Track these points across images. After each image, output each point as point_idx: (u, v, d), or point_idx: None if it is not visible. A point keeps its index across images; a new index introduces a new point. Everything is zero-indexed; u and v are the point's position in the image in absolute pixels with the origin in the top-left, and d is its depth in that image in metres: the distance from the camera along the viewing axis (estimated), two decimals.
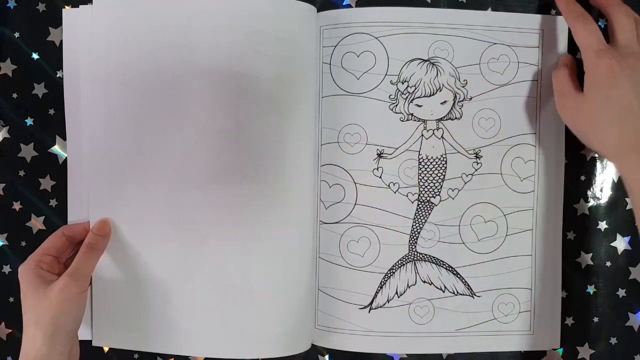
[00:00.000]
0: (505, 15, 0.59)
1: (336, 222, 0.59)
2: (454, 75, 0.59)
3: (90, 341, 0.60)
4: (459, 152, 0.59)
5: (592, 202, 0.61)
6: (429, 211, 0.59)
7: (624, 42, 0.53)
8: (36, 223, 0.62)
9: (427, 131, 0.59)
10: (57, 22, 0.60)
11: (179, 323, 0.58)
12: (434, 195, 0.59)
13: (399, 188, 0.59)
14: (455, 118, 0.59)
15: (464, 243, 0.59)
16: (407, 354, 0.61)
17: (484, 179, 0.59)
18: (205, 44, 0.56)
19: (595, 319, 0.61)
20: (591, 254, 0.61)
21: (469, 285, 0.60)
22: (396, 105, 0.59)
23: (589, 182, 0.61)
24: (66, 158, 0.61)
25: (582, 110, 0.54)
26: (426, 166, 0.59)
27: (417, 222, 0.59)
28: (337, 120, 0.59)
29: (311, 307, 0.60)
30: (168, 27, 0.57)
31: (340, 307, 0.60)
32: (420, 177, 0.59)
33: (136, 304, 0.59)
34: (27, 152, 0.61)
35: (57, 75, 0.61)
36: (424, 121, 0.59)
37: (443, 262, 0.59)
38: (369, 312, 0.59)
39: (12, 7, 0.61)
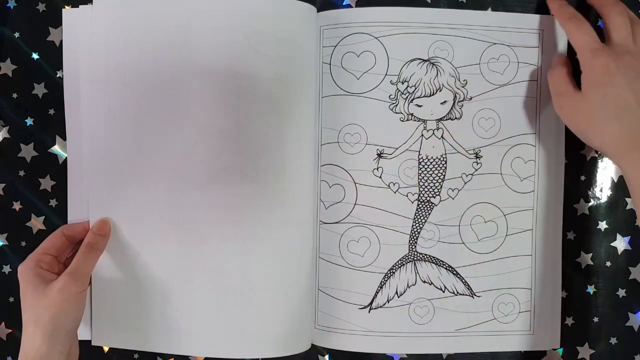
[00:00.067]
0: (505, 15, 0.59)
1: (336, 222, 0.59)
2: (454, 75, 0.59)
3: (90, 341, 0.60)
4: (459, 152, 0.59)
5: (592, 202, 0.61)
6: (429, 211, 0.59)
7: (619, 41, 0.53)
8: (36, 223, 0.62)
9: (427, 131, 0.59)
10: (57, 22, 0.60)
11: (179, 323, 0.58)
12: (434, 195, 0.59)
13: (399, 188, 0.59)
14: (455, 118, 0.59)
15: (464, 243, 0.59)
16: (407, 354, 0.61)
17: (484, 179, 0.59)
18: (205, 44, 0.56)
19: (595, 319, 0.61)
20: (591, 254, 0.61)
21: (468, 285, 0.60)
22: (396, 105, 0.59)
23: (589, 182, 0.61)
24: (66, 158, 0.61)
25: (580, 109, 0.54)
26: (426, 166, 0.59)
27: (417, 222, 0.59)
28: (337, 120, 0.59)
29: (311, 307, 0.60)
30: (168, 27, 0.57)
31: (340, 307, 0.60)
32: (420, 177, 0.59)
33: (136, 304, 0.59)
34: (27, 152, 0.61)
35: (57, 75, 0.61)
36: (424, 121, 0.59)
37: (443, 262, 0.59)
38: (369, 312, 0.59)
39: (12, 7, 0.61)
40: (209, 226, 0.57)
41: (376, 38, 0.58)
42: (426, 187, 0.59)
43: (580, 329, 0.61)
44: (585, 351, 0.61)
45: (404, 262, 0.59)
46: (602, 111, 0.52)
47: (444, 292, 0.59)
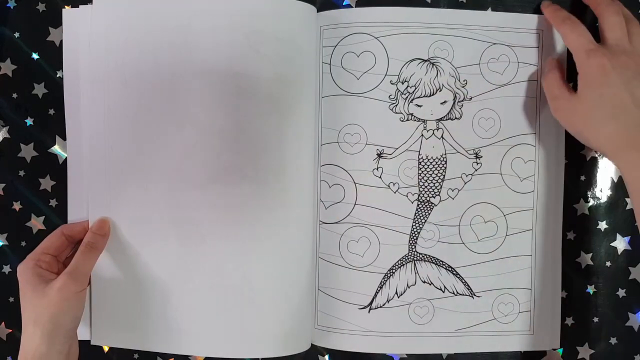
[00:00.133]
0: (504, 15, 0.59)
1: (336, 222, 0.59)
2: (453, 75, 0.59)
3: (89, 341, 0.60)
4: (458, 152, 0.59)
5: (592, 202, 0.61)
6: (429, 211, 0.59)
7: (614, 41, 0.53)
8: (36, 223, 0.62)
9: (427, 131, 0.59)
10: (57, 22, 0.60)
11: (179, 323, 0.58)
12: (434, 195, 0.59)
13: (398, 188, 0.59)
14: (455, 118, 0.59)
15: (463, 243, 0.59)
16: (406, 354, 0.61)
17: (484, 179, 0.59)
18: (205, 44, 0.56)
19: (595, 319, 0.61)
20: (591, 254, 0.61)
21: (468, 286, 0.60)
22: (396, 105, 0.59)
23: (589, 182, 0.61)
24: (66, 158, 0.61)
25: (576, 111, 0.54)
26: (426, 166, 0.59)
27: (417, 222, 0.59)
28: (337, 120, 0.59)
29: (311, 307, 0.60)
30: (168, 27, 0.57)
31: (340, 307, 0.60)
32: (420, 177, 0.59)
33: (135, 304, 0.59)
34: (27, 152, 0.61)
35: (57, 75, 0.61)
36: (424, 121, 0.59)
37: (443, 262, 0.59)
38: (369, 312, 0.59)
39: (12, 7, 0.61)
40: (209, 226, 0.57)
41: (376, 38, 0.58)
42: (426, 187, 0.59)
43: (580, 329, 0.61)
44: (585, 351, 0.61)
45: (403, 262, 0.59)
46: (598, 111, 0.52)
47: (443, 292, 0.59)
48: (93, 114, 0.58)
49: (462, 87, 0.59)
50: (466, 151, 0.59)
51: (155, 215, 0.58)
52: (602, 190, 0.61)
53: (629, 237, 0.61)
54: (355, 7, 0.59)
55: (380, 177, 0.59)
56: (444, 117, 0.59)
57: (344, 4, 0.60)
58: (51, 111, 0.61)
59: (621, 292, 0.61)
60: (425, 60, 0.59)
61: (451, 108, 0.59)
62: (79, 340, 0.56)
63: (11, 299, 0.62)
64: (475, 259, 0.60)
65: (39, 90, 0.61)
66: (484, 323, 0.60)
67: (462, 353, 0.61)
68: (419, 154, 0.59)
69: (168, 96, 0.57)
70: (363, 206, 0.59)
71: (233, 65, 0.56)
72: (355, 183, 0.59)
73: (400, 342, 0.59)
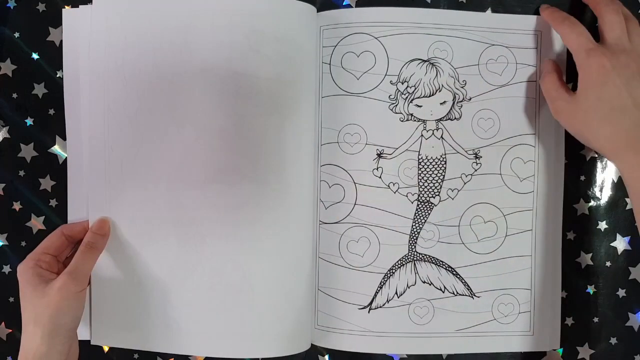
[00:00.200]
0: (502, 16, 0.59)
1: (336, 222, 0.59)
2: (453, 75, 0.59)
3: (89, 340, 0.60)
4: (458, 152, 0.59)
5: (592, 202, 0.61)
6: (429, 211, 0.59)
7: (613, 40, 0.53)
8: (36, 223, 0.62)
9: (427, 131, 0.59)
10: (57, 22, 0.60)
11: (179, 322, 0.58)
12: (434, 196, 0.59)
13: (398, 188, 0.59)
14: (455, 118, 0.59)
15: (463, 243, 0.59)
16: (406, 354, 0.61)
17: (484, 179, 0.59)
18: (205, 44, 0.56)
19: (595, 319, 0.61)
20: (591, 254, 0.61)
21: (468, 286, 0.60)
22: (396, 105, 0.59)
23: (589, 182, 0.61)
24: (66, 158, 0.61)
25: (576, 112, 0.54)
26: (426, 166, 0.59)
27: (416, 222, 0.59)
28: (337, 120, 0.59)
29: (311, 307, 0.60)
30: (168, 27, 0.57)
31: (340, 307, 0.60)
32: (420, 177, 0.59)
33: (135, 303, 0.59)
34: (27, 152, 0.61)
35: (57, 75, 0.61)
36: (424, 121, 0.59)
37: (443, 262, 0.59)
38: (369, 312, 0.59)
39: (12, 7, 0.61)
40: (209, 226, 0.57)
41: (376, 38, 0.58)
42: (426, 187, 0.59)
43: (580, 329, 0.61)
44: (585, 351, 0.61)
45: (403, 262, 0.59)
46: (598, 112, 0.52)
47: (443, 292, 0.59)
48: (93, 114, 0.58)
49: (462, 87, 0.59)
50: (466, 151, 0.59)
51: (155, 215, 0.58)
52: (602, 190, 0.61)
53: (629, 237, 0.61)
54: (355, 7, 0.60)
55: (380, 177, 0.59)
56: (444, 117, 0.59)
57: (344, 4, 0.60)
58: (51, 111, 0.61)
59: (621, 292, 0.61)
60: (425, 61, 0.59)
61: (451, 108, 0.59)
62: (79, 340, 0.56)
63: (11, 299, 0.62)
64: (475, 259, 0.60)
65: (39, 90, 0.61)
66: (484, 323, 0.60)
67: (463, 354, 0.61)
68: (419, 154, 0.59)
69: (168, 96, 0.57)
70: (363, 206, 0.59)
71: (233, 65, 0.56)
72: (355, 183, 0.59)
73: (400, 342, 0.59)
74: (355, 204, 0.59)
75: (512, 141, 0.60)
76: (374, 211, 0.59)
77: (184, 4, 0.57)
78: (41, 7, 0.61)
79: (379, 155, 0.59)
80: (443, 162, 0.59)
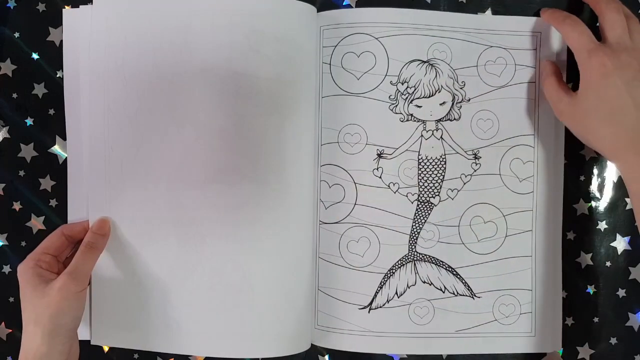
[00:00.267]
0: (501, 18, 0.59)
1: (336, 222, 0.59)
2: (452, 76, 0.59)
3: (89, 341, 0.59)
4: (458, 152, 0.59)
5: (592, 202, 0.61)
6: (429, 211, 0.59)
7: (615, 39, 0.53)
8: (36, 223, 0.62)
9: (427, 132, 0.59)
10: (57, 22, 0.60)
11: (179, 322, 0.58)
12: (434, 196, 0.59)
13: (398, 188, 0.59)
14: (454, 119, 0.59)
15: (463, 243, 0.59)
16: (407, 355, 0.61)
17: (483, 179, 0.59)
18: (205, 44, 0.56)
19: (595, 319, 0.61)
20: (591, 254, 0.61)
21: (469, 286, 0.60)
22: (396, 105, 0.59)
23: (589, 182, 0.61)
24: (66, 158, 0.61)
25: (577, 113, 0.54)
26: (426, 166, 0.59)
27: (416, 222, 0.59)
28: (337, 120, 0.59)
29: (311, 307, 0.60)
30: (168, 27, 0.57)
31: (340, 307, 0.59)
32: (419, 178, 0.59)
33: (135, 303, 0.59)
34: (27, 152, 0.61)
35: (57, 75, 0.61)
36: (424, 122, 0.59)
37: (443, 262, 0.59)
38: (369, 312, 0.59)
39: (12, 7, 0.61)
40: (209, 226, 0.57)
41: (376, 39, 0.58)
42: (426, 187, 0.59)
43: (580, 329, 0.61)
44: (585, 351, 0.61)
45: (403, 262, 0.59)
46: (598, 113, 0.53)
47: (444, 292, 0.59)
48: (93, 114, 0.58)
49: (461, 88, 0.59)
50: (465, 152, 0.59)
51: (155, 215, 0.58)
52: (602, 190, 0.61)
53: (629, 237, 0.61)
54: (355, 7, 0.60)
55: (380, 177, 0.59)
56: (443, 117, 0.59)
57: (344, 4, 0.60)
58: (51, 111, 0.61)
59: (621, 292, 0.61)
60: (425, 62, 0.59)
61: (450, 109, 0.59)
62: (79, 340, 0.56)
63: (11, 299, 0.62)
64: (475, 260, 0.60)
65: (39, 90, 0.61)
66: (485, 324, 0.60)
67: (463, 354, 0.60)
68: (419, 154, 0.59)
69: (168, 96, 0.57)
70: (363, 206, 0.59)
71: (233, 65, 0.56)
72: (355, 183, 0.59)
73: (400, 342, 0.59)
74: (355, 204, 0.59)
75: (512, 142, 0.60)
76: (374, 211, 0.59)
77: (184, 4, 0.57)
78: (41, 7, 0.61)
79: (379, 156, 0.59)
80: (443, 163, 0.59)
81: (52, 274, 0.55)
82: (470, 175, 0.59)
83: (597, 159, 0.61)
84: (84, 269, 0.55)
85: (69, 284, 0.53)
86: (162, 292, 0.58)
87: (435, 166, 0.59)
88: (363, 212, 0.59)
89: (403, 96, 0.59)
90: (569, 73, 0.59)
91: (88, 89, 0.58)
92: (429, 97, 0.59)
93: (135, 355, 0.61)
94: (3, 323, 0.62)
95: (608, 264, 0.61)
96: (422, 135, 0.59)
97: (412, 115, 0.59)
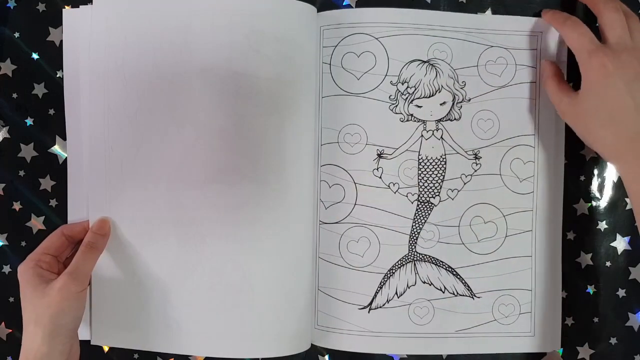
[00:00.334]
0: (502, 18, 0.59)
1: (336, 222, 0.59)
2: (452, 76, 0.59)
3: (89, 341, 0.60)
4: (458, 152, 0.59)
5: (592, 202, 0.61)
6: (429, 211, 0.59)
7: (615, 39, 0.53)
8: (36, 223, 0.62)
9: (427, 132, 0.59)
10: (57, 22, 0.60)
11: (179, 322, 0.58)
12: (434, 196, 0.59)
13: (398, 188, 0.59)
14: (455, 119, 0.59)
15: (463, 244, 0.59)
16: (407, 355, 0.61)
17: (484, 179, 0.59)
18: (205, 44, 0.56)
19: (595, 319, 0.61)
20: (591, 254, 0.61)
21: (468, 286, 0.60)
22: (396, 105, 0.59)
23: (589, 182, 0.61)
24: (66, 158, 0.61)
25: (578, 114, 0.54)
26: (426, 166, 0.59)
27: (416, 222, 0.59)
28: (337, 120, 0.59)
29: (311, 307, 0.60)
30: (168, 27, 0.57)
31: (340, 307, 0.60)
32: (420, 178, 0.59)
33: (135, 303, 0.59)
34: (27, 152, 0.61)
35: (57, 75, 0.61)
36: (424, 122, 0.59)
37: (443, 262, 0.59)
38: (369, 312, 0.59)
39: (12, 7, 0.61)
40: (209, 226, 0.57)
41: (376, 39, 0.58)
42: (426, 187, 0.59)
43: (580, 329, 0.61)
44: (585, 351, 0.61)
45: (403, 263, 0.59)
46: (599, 115, 0.52)
47: (443, 292, 0.59)
48: (93, 114, 0.58)
49: (461, 88, 0.59)
50: (465, 152, 0.59)
51: (155, 215, 0.58)
52: (602, 190, 0.61)
53: (629, 237, 0.61)
54: (356, 7, 0.60)
55: (380, 177, 0.59)
56: (444, 118, 0.59)
57: (344, 4, 0.60)
58: (51, 111, 0.61)
59: (621, 292, 0.61)
60: (425, 62, 0.59)
61: (450, 109, 0.59)
62: (79, 340, 0.56)
63: (11, 299, 0.62)
64: (475, 260, 0.60)
65: (39, 90, 0.61)
66: (485, 324, 0.60)
67: (463, 354, 0.60)
68: (419, 155, 0.59)
69: (168, 96, 0.57)
70: (363, 206, 0.59)
71: (233, 65, 0.56)
72: (355, 183, 0.59)
73: (400, 342, 0.59)
74: (355, 204, 0.59)
75: (512, 142, 0.60)
76: (374, 211, 0.59)
77: (184, 4, 0.57)
78: (41, 7, 0.61)
79: (379, 156, 0.59)
80: (443, 163, 0.59)
81: (52, 274, 0.55)
82: (471, 175, 0.59)
83: (598, 159, 0.61)
84: (84, 269, 0.55)
85: (69, 284, 0.53)
86: (162, 292, 0.58)
87: (436, 166, 0.59)
88: (363, 212, 0.59)
89: (403, 96, 0.59)
90: (569, 73, 0.59)
91: (88, 89, 0.58)
92: (429, 97, 0.59)
93: (135, 355, 0.61)
94: (3, 323, 0.62)
95: (608, 264, 0.61)
96: (422, 136, 0.59)
97: (412, 115, 0.59)
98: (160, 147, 0.57)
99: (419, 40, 0.59)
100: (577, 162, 0.60)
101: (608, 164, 0.60)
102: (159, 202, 0.57)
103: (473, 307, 0.60)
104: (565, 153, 0.60)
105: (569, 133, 0.58)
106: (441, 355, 0.61)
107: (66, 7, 0.60)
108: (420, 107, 0.59)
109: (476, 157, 0.59)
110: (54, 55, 0.60)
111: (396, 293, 0.59)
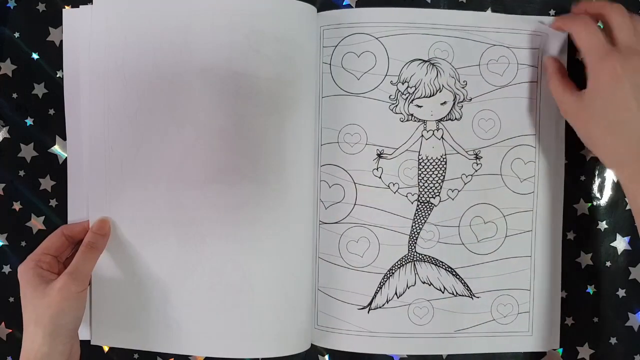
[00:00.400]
0: (504, 17, 0.59)
1: (336, 222, 0.59)
2: (453, 76, 0.59)
3: (89, 341, 0.60)
4: (458, 152, 0.59)
5: (592, 202, 0.61)
6: (429, 212, 0.59)
7: (624, 42, 0.52)
8: (36, 223, 0.62)
9: (427, 132, 0.59)
10: (57, 22, 0.60)
11: (179, 322, 0.58)
12: (434, 196, 0.59)
13: (398, 188, 0.59)
14: (455, 119, 0.59)
15: (463, 244, 0.59)
16: (406, 355, 0.61)
17: (484, 179, 0.59)
18: (205, 44, 0.56)
19: (595, 319, 0.61)
20: (591, 254, 0.61)
21: (468, 286, 0.60)
22: (396, 105, 0.59)
23: (589, 182, 0.61)
24: (66, 158, 0.61)
25: (583, 113, 0.54)
26: (426, 166, 0.59)
27: (416, 222, 0.59)
28: (337, 120, 0.59)
29: (311, 307, 0.60)
30: (168, 27, 0.57)
31: (340, 307, 0.60)
32: (420, 178, 0.59)
33: (136, 303, 0.59)
34: (27, 152, 0.61)
35: (57, 75, 0.61)
36: (424, 122, 0.59)
37: (442, 262, 0.59)
38: (368, 312, 0.59)
39: (12, 7, 0.61)
40: (209, 226, 0.57)
41: (376, 38, 0.58)
42: (426, 187, 0.59)
43: (580, 329, 0.61)
44: (585, 351, 0.61)
45: (403, 263, 0.59)
46: (603, 119, 0.52)
47: (443, 292, 0.59)
48: (93, 114, 0.58)
49: (462, 88, 0.59)
50: (466, 152, 0.59)
51: (155, 215, 0.58)
52: (602, 190, 0.61)
53: (629, 237, 0.61)
54: (356, 7, 0.60)
55: (380, 178, 0.59)
56: (444, 117, 0.59)
57: (344, 4, 0.60)
58: (51, 111, 0.61)
59: (621, 292, 0.61)
60: (426, 61, 0.59)
61: (451, 109, 0.59)
62: (80, 340, 0.56)
63: (11, 299, 0.62)
64: (474, 260, 0.60)
65: (39, 90, 0.61)
66: (484, 324, 0.60)
67: (462, 354, 0.61)
68: (419, 155, 0.59)
69: (168, 96, 0.57)
70: (363, 206, 0.59)
71: (233, 65, 0.56)
72: (355, 183, 0.59)
73: (399, 342, 0.59)
74: (355, 204, 0.59)
75: (513, 142, 0.59)
76: (374, 211, 0.59)
77: (184, 4, 0.57)
78: (41, 7, 0.61)
79: (379, 156, 0.59)
80: (443, 163, 0.59)
81: (52, 274, 0.55)
82: (471, 175, 0.59)
83: (598, 159, 0.60)
84: (85, 269, 0.55)
85: (69, 284, 0.53)
86: (162, 292, 0.58)
87: (436, 166, 0.59)
88: (363, 212, 0.59)
89: (403, 96, 0.59)
90: (569, 74, 0.59)
91: (88, 89, 0.58)
92: (430, 96, 0.59)
93: (135, 355, 0.62)
94: (3, 323, 0.62)
95: (608, 264, 0.61)
96: (422, 135, 0.59)
97: (412, 115, 0.59)
98: (160, 147, 0.57)
99: (420, 40, 0.58)
100: (578, 162, 0.60)
101: None
102: (159, 202, 0.57)
103: (472, 307, 0.60)
104: (566, 153, 0.60)
105: (570, 133, 0.57)
106: (441, 355, 0.61)
107: (66, 7, 0.60)
108: (420, 107, 0.59)
109: (477, 157, 0.59)
110: (54, 55, 0.60)
111: (396, 293, 0.59)
